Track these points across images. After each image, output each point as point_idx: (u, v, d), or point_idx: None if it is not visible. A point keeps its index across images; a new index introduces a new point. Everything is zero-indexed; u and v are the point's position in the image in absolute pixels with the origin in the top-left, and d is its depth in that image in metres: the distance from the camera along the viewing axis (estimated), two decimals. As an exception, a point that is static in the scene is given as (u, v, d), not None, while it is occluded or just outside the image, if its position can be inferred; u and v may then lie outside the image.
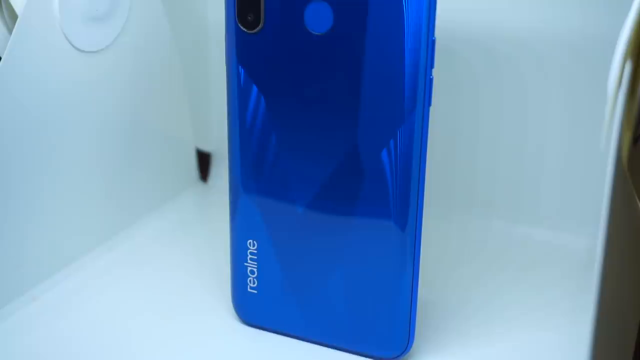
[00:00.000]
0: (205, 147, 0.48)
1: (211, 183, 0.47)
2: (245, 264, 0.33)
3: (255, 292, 0.33)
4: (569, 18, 0.39)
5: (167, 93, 0.42)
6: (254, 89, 0.31)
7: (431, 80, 0.29)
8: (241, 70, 0.31)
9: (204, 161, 0.48)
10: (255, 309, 0.34)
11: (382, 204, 0.30)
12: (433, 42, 0.29)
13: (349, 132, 0.30)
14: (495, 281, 0.38)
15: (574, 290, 0.37)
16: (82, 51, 0.35)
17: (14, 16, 0.32)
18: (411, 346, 0.32)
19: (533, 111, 0.41)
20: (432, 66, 0.29)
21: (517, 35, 0.40)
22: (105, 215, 0.40)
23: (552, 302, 0.36)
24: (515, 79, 0.40)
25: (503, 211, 0.43)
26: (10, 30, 0.33)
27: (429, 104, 0.29)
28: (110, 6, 0.36)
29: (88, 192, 0.38)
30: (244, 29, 0.30)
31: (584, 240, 0.40)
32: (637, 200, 0.26)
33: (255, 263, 0.33)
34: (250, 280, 0.33)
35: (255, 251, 0.33)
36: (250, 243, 0.33)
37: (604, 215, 0.23)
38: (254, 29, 0.30)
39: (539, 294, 0.37)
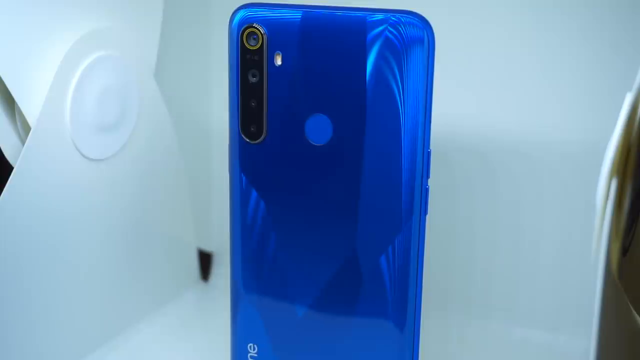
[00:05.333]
0: (207, 247, 0.48)
1: (212, 282, 0.47)
2: (246, 367, 0.33)
3: (256, 396, 0.33)
4: (561, 125, 0.40)
5: (170, 196, 0.43)
6: (255, 195, 0.31)
7: (427, 190, 0.30)
8: (243, 178, 0.31)
9: (205, 261, 0.48)
10: (255, 413, 0.34)
11: (380, 306, 0.30)
12: (429, 153, 0.30)
13: (348, 239, 0.30)
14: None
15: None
16: (91, 159, 0.36)
17: (27, 128, 0.33)
18: None
19: (528, 216, 0.41)
20: (427, 176, 0.30)
21: (511, 142, 0.41)
22: (107, 316, 0.40)
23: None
24: (509, 184, 0.41)
25: (500, 313, 0.43)
26: (23, 141, 0.34)
27: (425, 212, 0.30)
28: (118, 116, 0.37)
29: (90, 294, 0.38)
30: (246, 139, 0.31)
31: (582, 342, 0.40)
32: (631, 308, 0.26)
33: (256, 367, 0.33)
34: (250, 384, 0.33)
35: (256, 355, 0.33)
36: (250, 347, 0.33)
37: (595, 325, 0.24)
38: (256, 139, 0.31)
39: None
